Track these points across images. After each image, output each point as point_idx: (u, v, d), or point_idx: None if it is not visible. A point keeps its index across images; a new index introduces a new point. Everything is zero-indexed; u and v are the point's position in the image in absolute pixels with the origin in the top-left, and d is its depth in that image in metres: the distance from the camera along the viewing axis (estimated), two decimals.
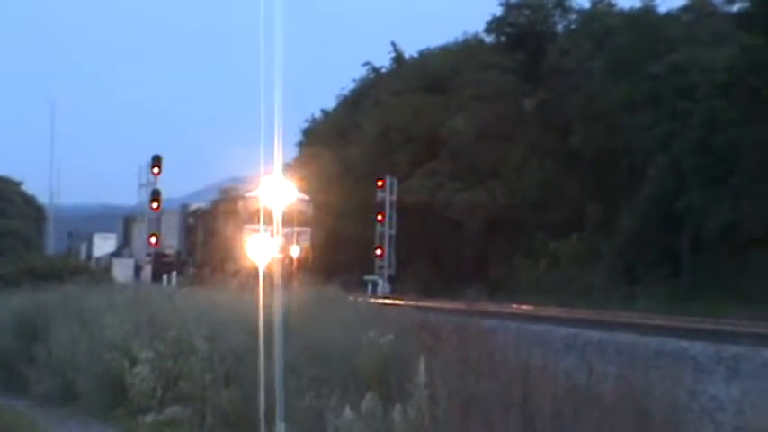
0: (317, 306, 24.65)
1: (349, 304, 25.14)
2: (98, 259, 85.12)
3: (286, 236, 55.34)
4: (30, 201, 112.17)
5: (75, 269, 62.27)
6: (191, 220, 79.50)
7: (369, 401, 15.83)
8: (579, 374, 13.83)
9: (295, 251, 56.92)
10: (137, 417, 19.93)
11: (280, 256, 50.59)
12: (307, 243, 59.87)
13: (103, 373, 22.63)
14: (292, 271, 51.75)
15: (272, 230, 48.24)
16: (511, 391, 13.34)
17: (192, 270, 72.26)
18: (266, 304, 25.54)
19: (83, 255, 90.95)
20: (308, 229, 61.10)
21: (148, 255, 76.40)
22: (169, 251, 78.70)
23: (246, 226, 57.81)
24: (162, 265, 75.68)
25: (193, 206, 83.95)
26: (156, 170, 66.52)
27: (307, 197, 62.49)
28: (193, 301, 31.37)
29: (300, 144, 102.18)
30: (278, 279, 39.45)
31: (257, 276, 38.26)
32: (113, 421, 20.23)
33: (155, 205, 67.42)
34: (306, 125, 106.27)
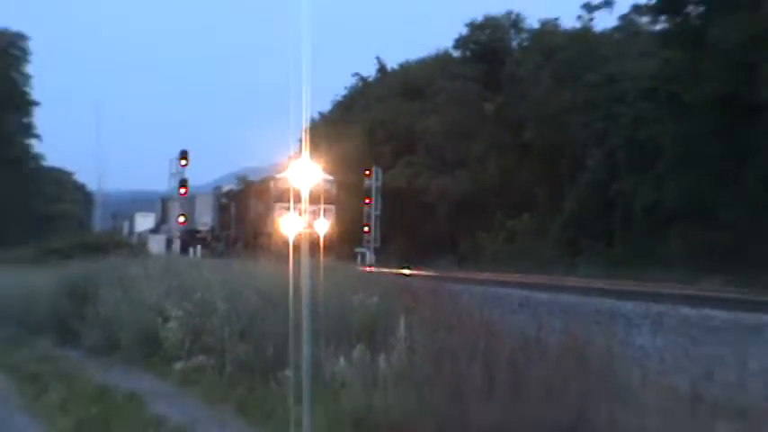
0: (317, 273, 24.62)
1: (343, 271, 25.18)
2: (139, 234, 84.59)
3: (313, 212, 54.27)
4: (80, 187, 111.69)
5: (117, 243, 62.06)
6: (223, 200, 77.57)
7: (359, 352, 15.92)
8: (531, 329, 13.90)
9: (321, 226, 54.33)
10: (169, 364, 20.00)
11: (307, 230, 49.82)
12: (332, 219, 58.17)
13: (141, 329, 22.73)
14: (318, 243, 50.60)
15: (300, 208, 52.17)
16: (475, 343, 13.41)
17: (223, 243, 71.07)
18: (277, 272, 25.67)
19: (126, 231, 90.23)
20: (332, 207, 59.18)
21: (182, 230, 76.48)
22: (202, 228, 78.09)
23: (278, 204, 56.92)
24: (189, 239, 75.54)
25: (225, 188, 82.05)
26: (183, 162, 67.09)
27: (331, 177, 60.65)
28: (215, 268, 31.45)
29: (301, 140, 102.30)
30: (305, 251, 40.73)
31: (287, 248, 43.00)
32: (149, 368, 20.28)
33: (182, 191, 68.41)
34: (307, 124, 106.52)
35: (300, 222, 51.09)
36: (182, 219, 72.41)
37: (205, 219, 78.73)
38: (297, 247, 40.73)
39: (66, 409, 15.48)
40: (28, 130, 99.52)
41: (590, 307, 21.09)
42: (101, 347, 23.83)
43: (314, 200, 54.30)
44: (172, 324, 21.68)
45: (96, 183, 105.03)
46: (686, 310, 20.83)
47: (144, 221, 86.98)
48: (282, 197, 55.79)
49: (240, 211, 70.94)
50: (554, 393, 11.06)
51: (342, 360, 15.99)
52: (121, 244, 63.30)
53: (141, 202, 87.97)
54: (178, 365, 19.59)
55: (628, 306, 22.14)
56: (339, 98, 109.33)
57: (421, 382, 13.50)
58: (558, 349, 12.30)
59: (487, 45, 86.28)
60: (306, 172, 50.21)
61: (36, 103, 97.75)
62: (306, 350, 16.28)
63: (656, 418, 9.26)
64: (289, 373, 16.80)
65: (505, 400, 11.24)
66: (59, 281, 31.95)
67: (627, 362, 11.85)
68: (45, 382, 18.70)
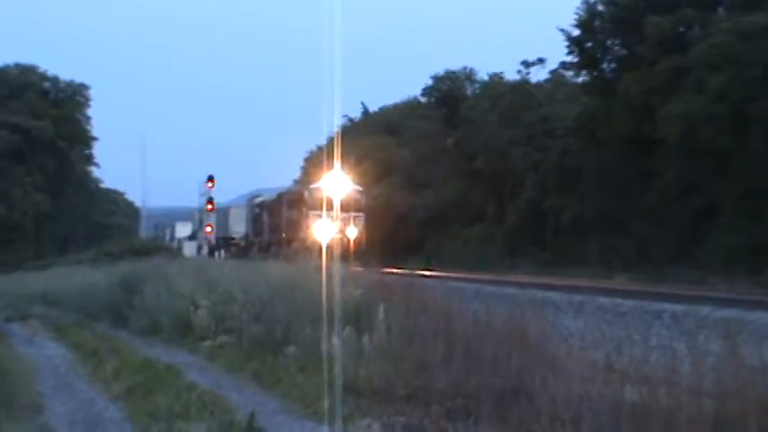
0: (315, 270, 24.70)
1: (335, 270, 25.17)
2: (179, 240, 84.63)
3: (344, 219, 52.09)
4: (129, 204, 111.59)
5: (158, 248, 62.41)
6: (256, 210, 73.81)
7: (347, 332, 15.93)
8: (481, 314, 13.93)
9: (352, 232, 52.18)
10: (198, 342, 20.05)
11: (339, 236, 48.02)
12: (361, 226, 54.74)
13: (177, 315, 22.84)
14: (350, 248, 47.70)
15: (332, 215, 50.11)
16: (438, 325, 13.45)
17: (256, 248, 66.80)
18: (286, 270, 25.63)
19: (167, 236, 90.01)
20: (362, 215, 55.66)
21: (218, 238, 75.83)
22: (235, 235, 76.19)
23: (311, 212, 53.43)
24: (218, 245, 75.41)
25: (258, 199, 78.10)
26: (209, 184, 67.04)
27: (360, 187, 57.31)
28: (236, 267, 31.53)
29: (303, 167, 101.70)
30: (337, 255, 38.29)
31: (320, 252, 37.71)
32: (183, 345, 20.32)
33: (209, 207, 68.50)
34: (307, 155, 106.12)
35: (332, 228, 49.17)
36: (208, 229, 71.97)
37: (238, 227, 76.50)
38: (328, 251, 39.98)
39: (118, 377, 15.48)
40: (89, 160, 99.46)
41: (527, 297, 21.16)
42: (145, 329, 23.95)
43: (345, 208, 52.45)
44: (201, 311, 21.81)
45: (141, 200, 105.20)
46: (601, 299, 20.99)
47: (183, 229, 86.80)
48: (316, 205, 52.98)
49: (273, 219, 67.28)
50: (499, 364, 11.04)
51: (334, 338, 16.03)
52: (161, 249, 63.69)
53: (177, 215, 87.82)
54: (206, 343, 19.68)
55: (556, 296, 22.33)
56: (332, 134, 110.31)
57: (396, 356, 13.50)
58: (503, 330, 12.30)
59: (448, 93, 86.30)
60: (338, 182, 50.66)
61: (95, 138, 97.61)
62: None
63: (579, 383, 9.23)
64: (293, 348, 16.90)
65: (461, 370, 11.21)
66: (113, 277, 32.14)
67: (556, 339, 11.85)
68: (102, 357, 18.73)
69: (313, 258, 38.92)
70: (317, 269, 26.02)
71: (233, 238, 76.32)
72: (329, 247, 38.10)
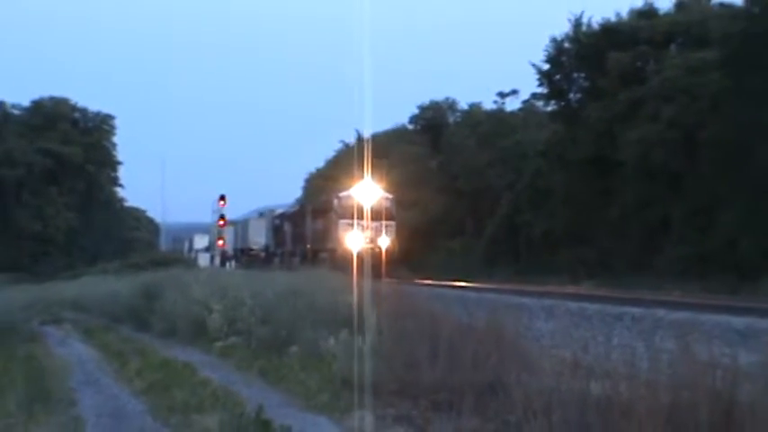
0: (316, 279, 24.77)
1: (333, 279, 25.19)
2: (196, 251, 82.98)
3: (375, 228, 48.03)
4: (150, 220, 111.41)
5: (176, 260, 62.47)
6: (277, 222, 69.22)
7: (344, 334, 15.93)
8: (464, 317, 13.93)
9: (383, 241, 47.67)
10: (212, 343, 20.02)
11: (370, 245, 45.77)
12: (392, 234, 49.69)
13: (192, 319, 22.76)
14: (381, 257, 44.45)
15: (363, 224, 47.23)
16: (424, 327, 13.45)
17: (278, 258, 63.41)
18: (287, 278, 25.56)
19: (186, 248, 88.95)
20: (393, 223, 50.42)
21: (237, 249, 73.89)
22: (255, 246, 72.12)
23: (341, 221, 48.95)
24: (227, 256, 72.01)
25: (278, 211, 73.81)
26: (221, 202, 65.54)
27: (390, 195, 51.83)
28: (245, 276, 31.52)
29: (304, 188, 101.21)
30: (368, 264, 36.48)
31: (350, 261, 38.69)
32: (198, 346, 20.28)
33: (221, 223, 65.62)
34: (307, 176, 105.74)
35: (363, 238, 46.86)
36: (220, 242, 69.32)
37: (258, 239, 72.43)
38: (360, 260, 37.35)
39: (140, 374, 15.46)
40: (114, 182, 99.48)
41: (503, 302, 21.16)
42: (164, 332, 23.91)
43: (375, 216, 47.96)
44: (214, 315, 21.78)
45: (161, 216, 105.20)
46: (569, 304, 20.96)
47: (200, 241, 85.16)
48: (346, 214, 48.63)
49: (296, 230, 62.20)
50: (479, 362, 11.04)
51: (332, 339, 16.05)
52: (179, 260, 63.81)
53: (194, 229, 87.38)
54: (218, 344, 19.67)
55: (529, 301, 22.30)
56: (329, 158, 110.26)
57: (387, 355, 13.49)
58: (482, 331, 12.30)
59: (432, 120, 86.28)
60: (369, 190, 47.72)
61: (119, 163, 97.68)
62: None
63: (549, 378, 9.22)
64: (295, 348, 16.90)
65: (445, 368, 11.21)
66: (136, 286, 32.11)
67: (529, 340, 11.84)
68: (126, 356, 18.70)
69: (345, 268, 38.03)
70: (317, 277, 26.13)
71: (252, 249, 72.78)
72: (360, 257, 39.57)
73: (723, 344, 8.06)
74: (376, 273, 35.94)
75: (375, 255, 43.75)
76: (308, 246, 55.60)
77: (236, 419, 10.47)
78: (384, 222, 48.31)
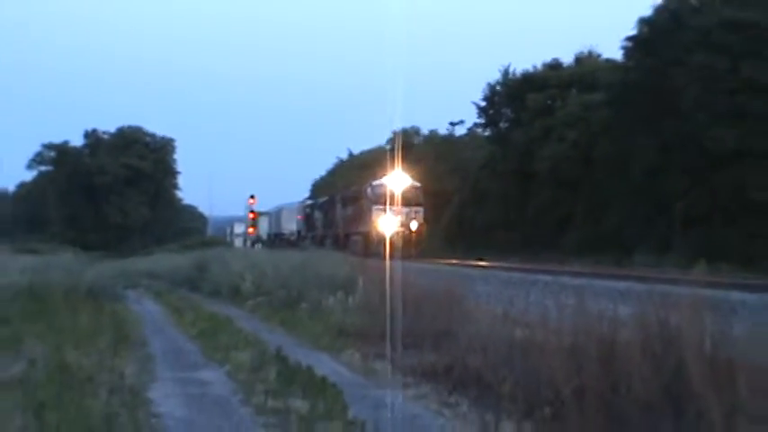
0: (320, 256, 24.73)
1: (333, 256, 25.17)
2: (235, 236, 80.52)
3: (406, 213, 42.01)
4: (201, 214, 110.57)
5: (219, 242, 62.20)
6: (307, 210, 62.85)
7: (340, 294, 15.92)
8: (426, 284, 13.91)
9: (413, 225, 41.98)
10: (245, 302, 19.90)
11: (401, 228, 40.54)
12: (421, 219, 43.31)
13: (231, 284, 22.67)
14: (411, 239, 40.38)
15: (394, 210, 41.35)
16: (397, 291, 13.43)
17: (309, 241, 55.86)
18: (300, 255, 25.47)
19: (227, 233, 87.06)
20: (421, 208, 43.86)
21: (270, 234, 69.67)
22: (286, 231, 66.12)
23: (374, 206, 42.76)
24: (257, 239, 68.56)
25: (308, 201, 68.39)
26: (251, 200, 63.24)
27: (419, 184, 45.41)
28: (269, 255, 31.45)
29: (311, 189, 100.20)
30: (400, 246, 35.24)
31: (383, 242, 37.50)
32: (235, 304, 20.19)
33: (251, 216, 64.84)
34: (313, 181, 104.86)
35: (395, 222, 41.60)
36: (250, 230, 67.79)
37: (289, 226, 66.64)
38: (392, 242, 36.11)
39: (194, 324, 15.42)
40: (175, 186, 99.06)
41: (454, 272, 21.20)
42: (211, 293, 23.81)
43: (405, 202, 41.89)
44: (246, 282, 21.71)
45: (208, 210, 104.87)
46: (500, 273, 20.99)
47: (238, 228, 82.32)
48: (379, 200, 42.70)
49: (326, 217, 55.96)
50: (436, 315, 11.04)
51: (331, 299, 16.03)
52: (220, 243, 63.51)
53: (233, 220, 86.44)
54: (249, 302, 19.55)
55: (473, 271, 22.28)
56: (329, 168, 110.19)
57: (371, 310, 13.48)
58: (439, 293, 12.29)
59: (402, 142, 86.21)
60: (399, 178, 42.73)
61: (178, 172, 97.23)
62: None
63: (485, 326, 9.20)
64: (304, 305, 16.88)
65: (413, 319, 11.21)
66: (190, 261, 32.01)
67: (471, 299, 11.80)
68: (183, 311, 18.63)
69: (379, 248, 36.52)
70: (322, 255, 26.09)
71: (284, 234, 67.20)
72: (391, 239, 37.76)
73: (608, 301, 8.06)
74: (407, 253, 34.25)
75: (406, 236, 39.83)
76: (339, 230, 50.61)
77: (261, 355, 10.46)
78: (413, 208, 42.56)
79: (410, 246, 37.99)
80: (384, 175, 45.35)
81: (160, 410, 7.44)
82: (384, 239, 38.15)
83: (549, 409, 6.68)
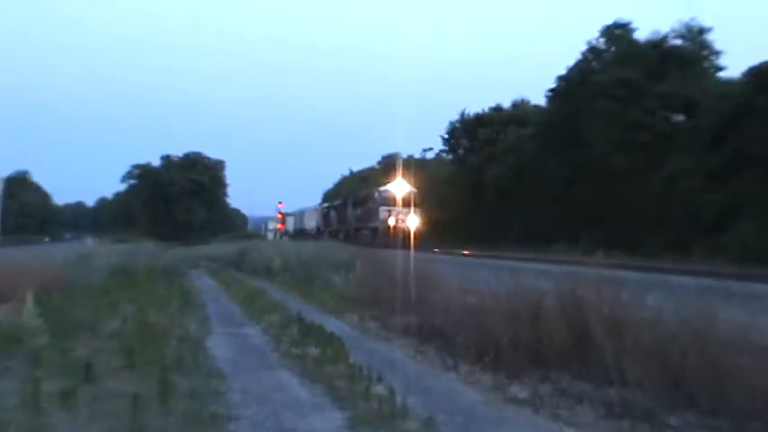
0: (330, 247, 24.62)
1: (339, 246, 25.06)
2: (267, 231, 78.95)
3: (405, 213, 39.62)
4: (243, 214, 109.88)
5: (256, 236, 61.75)
6: (325, 211, 60.41)
7: (342, 273, 15.86)
8: (405, 266, 13.85)
9: (413, 222, 38.86)
10: (275, 278, 19.74)
11: (402, 225, 38.37)
12: (418, 217, 40.14)
13: (264, 264, 22.40)
14: (410, 234, 35.63)
15: (397, 210, 39.35)
16: (384, 270, 13.39)
17: (326, 235, 52.68)
18: (314, 245, 25.26)
19: (262, 229, 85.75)
20: (418, 210, 40.60)
21: (295, 229, 66.34)
22: (307, 228, 63.09)
23: (381, 207, 40.79)
24: (283, 233, 64.06)
25: (325, 204, 65.42)
26: (280, 204, 60.78)
27: (416, 190, 41.84)
28: (293, 244, 31.26)
29: (324, 200, 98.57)
30: (400, 238, 33.96)
31: (389, 234, 36.54)
32: (267, 279, 20.01)
33: (279, 216, 62.15)
34: (324, 190, 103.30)
35: (397, 219, 39.30)
36: (279, 226, 63.80)
37: (310, 223, 64.01)
38: (394, 236, 35.32)
39: (238, 294, 15.36)
40: (225, 195, 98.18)
41: (425, 258, 21.08)
42: (250, 272, 23.57)
43: (405, 204, 39.61)
44: (276, 262, 21.55)
45: (249, 212, 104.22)
46: (459, 258, 21.00)
47: (270, 225, 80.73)
48: (385, 202, 40.70)
49: (340, 215, 52.91)
50: (410, 287, 11.02)
51: (336, 276, 15.96)
52: (257, 236, 63.07)
53: (267, 218, 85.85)
54: (278, 278, 19.43)
55: (438, 257, 22.22)
56: (335, 181, 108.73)
57: (365, 284, 13.45)
58: (413, 272, 12.26)
59: (389, 163, 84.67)
60: (401, 185, 40.89)
61: (228, 184, 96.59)
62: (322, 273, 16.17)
63: (446, 295, 9.20)
64: (317, 281, 16.82)
65: (393, 289, 11.19)
66: (235, 248, 31.74)
67: (437, 275, 11.74)
68: (231, 285, 18.52)
69: (386, 239, 35.69)
70: (331, 246, 25.97)
71: (306, 229, 63.84)
72: (395, 232, 36.71)
73: (534, 278, 8.08)
74: (407, 245, 32.36)
75: (405, 232, 36.77)
76: (351, 226, 47.27)
77: (286, 317, 10.43)
78: (412, 209, 39.55)
79: (409, 239, 36.47)
80: (387, 183, 43.89)
81: (214, 354, 7.46)
82: (390, 232, 36.83)
83: (491, 354, 6.71)
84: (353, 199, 49.93)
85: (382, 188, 42.76)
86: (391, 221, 38.84)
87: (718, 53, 36.75)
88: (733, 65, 36.13)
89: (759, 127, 26.79)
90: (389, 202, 40.11)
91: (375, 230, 40.20)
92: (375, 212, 41.20)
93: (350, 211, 49.20)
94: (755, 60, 29.35)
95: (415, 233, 38.09)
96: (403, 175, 43.65)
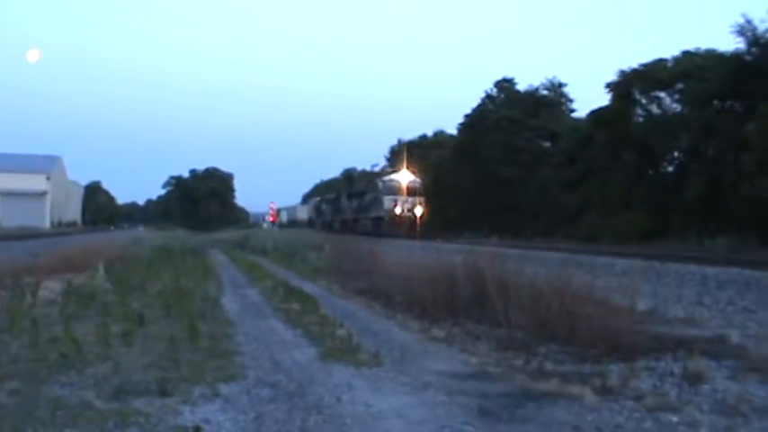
0: (307, 232, 24.31)
1: (314, 233, 24.65)
2: (265, 222, 75.33)
3: (410, 202, 31.46)
4: (246, 211, 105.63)
5: (255, 226, 60.12)
6: (317, 204, 51.96)
7: (316, 252, 15.67)
8: (365, 247, 13.73)
9: (418, 210, 30.94)
10: (269, 255, 19.16)
11: (408, 213, 30.90)
12: (422, 206, 31.67)
13: (261, 247, 21.99)
14: (415, 221, 29.64)
15: (401, 199, 31.65)
16: (352, 250, 13.28)
17: (319, 225, 44.54)
18: (298, 232, 24.73)
19: (261, 221, 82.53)
20: (422, 198, 32.09)
21: (289, 221, 59.48)
22: (298, 220, 56.27)
23: (386, 197, 32.18)
24: (276, 224, 59.16)
25: (317, 198, 56.04)
26: (272, 204, 59.61)
27: (420, 180, 33.28)
28: (283, 232, 30.66)
29: (311, 195, 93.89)
30: (406, 226, 29.17)
31: (395, 223, 29.91)
32: (263, 256, 19.41)
33: (272, 212, 60.41)
34: (318, 184, 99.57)
35: (402, 208, 31.41)
36: (271, 219, 60.71)
37: (302, 215, 57.26)
38: (399, 224, 30.25)
39: (243, 266, 15.07)
40: (234, 197, 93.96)
41: (371, 241, 20.65)
42: (252, 251, 22.79)
43: (410, 193, 31.81)
44: (269, 245, 21.23)
45: (251, 208, 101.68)
46: (439, 244, 20.47)
47: (266, 218, 78.63)
48: (390, 192, 32.30)
49: (334, 207, 43.38)
50: (365, 262, 10.97)
51: (313, 254, 15.80)
52: (256, 226, 61.34)
53: (265, 213, 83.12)
54: (272, 255, 19.11)
55: (383, 240, 21.79)
56: (324, 181, 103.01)
57: (335, 259, 13.34)
58: (369, 251, 12.18)
59: (349, 176, 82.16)
60: (405, 175, 32.99)
61: (235, 190, 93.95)
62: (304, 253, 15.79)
63: (392, 267, 9.16)
64: (298, 257, 16.56)
65: (355, 264, 11.12)
66: (240, 234, 30.83)
67: (387, 255, 11.46)
68: (237, 260, 18.08)
69: (391, 227, 29.98)
70: (306, 233, 25.57)
71: (297, 221, 57.12)
72: (399, 221, 29.60)
73: (450, 254, 8.16)
74: (412, 233, 26.37)
75: (411, 220, 29.89)
76: (348, 216, 38.31)
77: (276, 282, 10.28)
78: (417, 198, 31.75)
79: (414, 227, 28.39)
80: (393, 173, 35.42)
81: (227, 308, 7.42)
82: (396, 221, 30.25)
83: (419, 307, 6.76)
84: (348, 192, 41.54)
85: (386, 178, 34.54)
86: (398, 210, 31.40)
87: (571, 100, 38.71)
88: (581, 108, 37.80)
89: (598, 151, 28.05)
90: (394, 191, 32.17)
91: (378, 220, 32.47)
92: (378, 202, 32.99)
93: (344, 202, 40.69)
94: (595, 105, 30.47)
95: (421, 221, 30.17)
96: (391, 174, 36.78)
